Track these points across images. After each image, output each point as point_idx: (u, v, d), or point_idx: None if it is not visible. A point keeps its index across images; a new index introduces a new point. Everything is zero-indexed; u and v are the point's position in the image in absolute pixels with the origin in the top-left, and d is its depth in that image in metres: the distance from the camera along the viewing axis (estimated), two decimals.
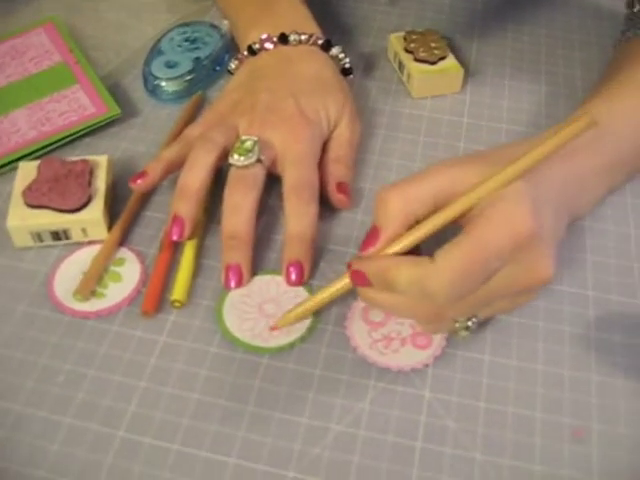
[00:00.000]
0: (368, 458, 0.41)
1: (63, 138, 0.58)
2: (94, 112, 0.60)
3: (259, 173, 0.50)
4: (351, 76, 0.62)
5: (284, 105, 0.54)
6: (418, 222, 0.42)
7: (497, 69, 0.68)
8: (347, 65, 0.61)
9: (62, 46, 0.66)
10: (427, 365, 0.45)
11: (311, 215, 0.49)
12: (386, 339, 0.46)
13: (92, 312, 0.47)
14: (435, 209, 0.42)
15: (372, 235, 0.43)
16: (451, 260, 0.38)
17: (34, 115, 0.60)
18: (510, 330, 0.47)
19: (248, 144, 0.51)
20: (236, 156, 0.50)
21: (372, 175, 0.57)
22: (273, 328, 0.46)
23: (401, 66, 0.66)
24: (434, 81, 0.64)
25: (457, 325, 0.42)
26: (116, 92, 0.63)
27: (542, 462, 0.41)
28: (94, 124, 0.59)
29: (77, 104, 0.61)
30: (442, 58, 0.64)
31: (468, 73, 0.66)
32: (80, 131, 0.59)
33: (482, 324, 0.46)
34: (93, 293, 0.48)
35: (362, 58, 0.68)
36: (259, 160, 0.51)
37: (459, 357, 0.45)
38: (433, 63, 0.64)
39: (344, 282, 0.44)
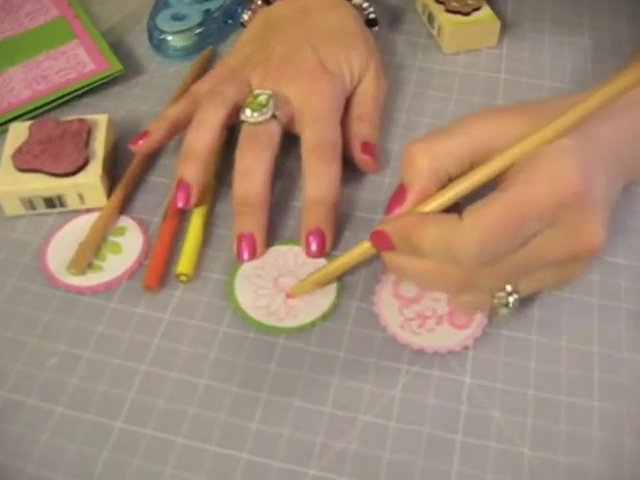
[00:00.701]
0: (400, 453, 0.35)
1: (60, 97, 0.53)
2: (94, 69, 0.54)
3: (274, 131, 0.45)
4: (376, 28, 0.56)
5: (302, 56, 0.48)
6: (451, 181, 0.36)
7: (535, 23, 0.62)
8: (372, 15, 0.55)
9: (60, 0, 0.61)
10: (467, 347, 0.39)
11: (333, 177, 0.44)
12: (420, 317, 0.40)
13: (88, 287, 0.42)
14: (470, 166, 0.36)
15: (398, 195, 0.37)
16: (481, 218, 0.33)
17: (29, 73, 0.55)
18: (560, 307, 0.41)
19: (262, 98, 0.45)
20: (248, 112, 0.45)
21: (400, 135, 0.51)
22: (288, 296, 0.41)
23: (431, 18, 0.59)
24: (467, 34, 0.58)
25: (495, 301, 0.36)
26: (119, 49, 0.58)
27: (601, 458, 0.35)
28: (94, 82, 0.54)
29: (76, 61, 0.55)
30: (476, 9, 0.58)
31: (504, 27, 0.60)
32: (78, 90, 0.53)
33: (527, 301, 0.41)
34: (90, 266, 0.43)
35: (387, 11, 0.62)
36: (274, 116, 0.45)
37: (503, 338, 0.40)
38: (466, 14, 0.58)
39: (366, 246, 0.39)
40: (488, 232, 0.32)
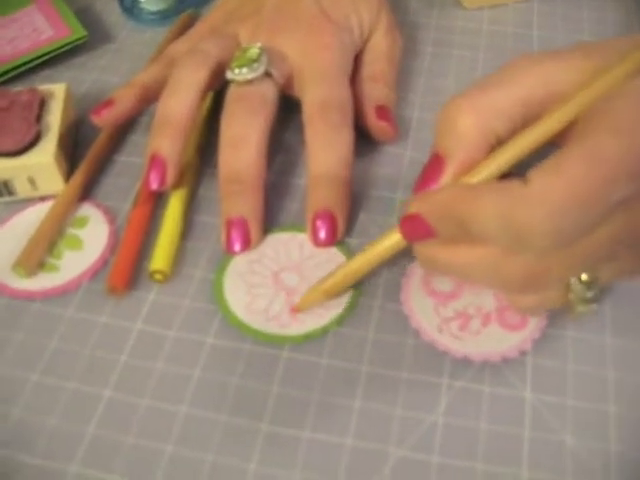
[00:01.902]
0: None
1: (11, 70, 0.44)
2: (52, 36, 0.46)
3: (269, 91, 0.36)
4: None
5: (301, 5, 0.39)
6: (500, 144, 0.27)
7: None
8: None
9: None
10: (524, 352, 0.30)
11: (344, 146, 0.35)
12: (461, 317, 0.31)
13: (39, 291, 0.33)
14: (523, 124, 0.27)
15: (433, 166, 0.28)
16: (554, 181, 0.23)
17: None
18: (637, 300, 0.32)
19: (252, 52, 0.36)
20: (236, 69, 0.36)
21: (420, 102, 0.43)
22: (293, 310, 0.32)
23: None
24: None
25: (572, 296, 0.27)
26: (84, 16, 0.49)
27: None
28: (52, 50, 0.45)
29: (31, 28, 0.47)
30: None
31: None
32: (33, 60, 0.45)
33: None
34: (41, 265, 0.34)
35: None
36: (268, 74, 0.36)
37: (568, 340, 0.31)
38: None
39: (395, 238, 0.29)
40: (567, 201, 0.23)
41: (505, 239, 0.25)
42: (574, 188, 0.23)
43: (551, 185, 0.23)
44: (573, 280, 0.27)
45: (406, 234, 0.28)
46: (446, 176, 0.28)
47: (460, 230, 0.26)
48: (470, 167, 0.28)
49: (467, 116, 0.28)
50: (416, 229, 0.28)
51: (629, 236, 0.26)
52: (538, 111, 0.27)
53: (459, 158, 0.28)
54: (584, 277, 0.27)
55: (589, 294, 0.27)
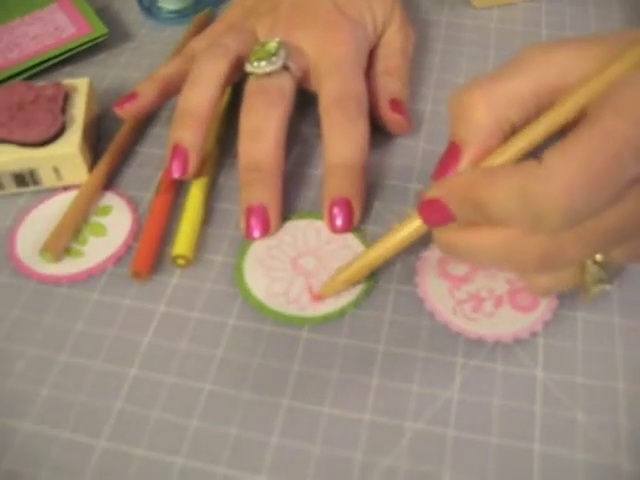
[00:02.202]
0: (464, 470, 0.27)
1: (35, 65, 0.46)
2: (74, 33, 0.47)
3: (287, 84, 0.37)
4: None
5: (317, 2, 0.41)
6: (514, 132, 0.29)
7: None
8: None
9: None
10: (535, 333, 0.31)
11: (360, 135, 0.36)
12: (475, 299, 0.32)
13: (66, 276, 0.35)
14: (536, 112, 0.28)
15: (451, 155, 0.29)
16: (569, 159, 0.24)
17: (0, 41, 0.47)
18: None
19: (271, 46, 0.37)
20: (255, 62, 0.37)
21: (433, 95, 0.44)
22: (316, 298, 0.33)
23: None
24: None
25: (587, 276, 0.28)
26: (104, 15, 0.51)
27: None
28: (75, 47, 0.46)
29: (53, 26, 0.48)
30: None
31: None
32: (57, 56, 0.46)
33: None
34: (67, 251, 0.36)
35: None
36: (286, 68, 0.37)
37: (579, 321, 0.32)
38: None
39: (414, 225, 0.30)
40: (580, 177, 0.24)
41: (523, 218, 0.26)
42: (586, 166, 0.24)
43: (565, 163, 0.24)
44: (588, 261, 0.28)
45: (426, 219, 0.29)
46: (463, 163, 0.29)
47: (478, 213, 0.27)
48: (486, 155, 0.29)
49: (482, 105, 0.29)
50: (436, 213, 0.28)
51: None
52: (551, 99, 0.28)
53: (475, 146, 0.29)
54: (599, 258, 0.28)
55: (603, 275, 0.28)
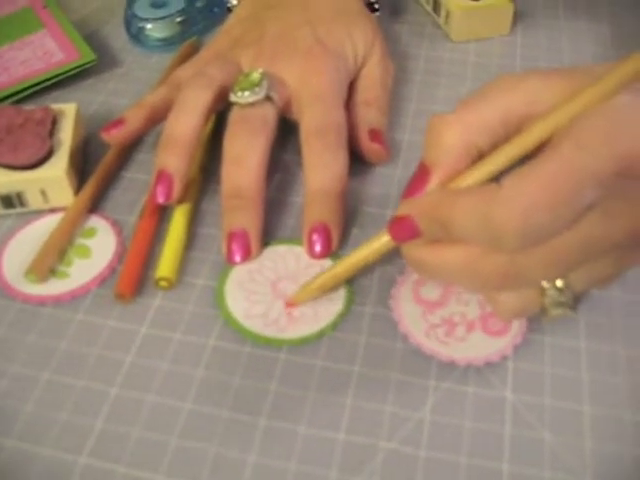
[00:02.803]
0: None
1: (25, 89, 0.47)
2: (63, 59, 0.48)
3: (269, 114, 0.39)
4: (377, 14, 0.50)
5: (299, 34, 0.42)
6: (482, 157, 0.30)
7: (549, 11, 0.57)
8: None
9: None
10: (506, 357, 0.33)
11: (339, 165, 0.38)
12: (447, 323, 0.34)
13: (50, 296, 0.35)
14: (504, 138, 0.30)
15: (420, 175, 0.31)
16: (526, 183, 0.26)
17: None
18: (609, 308, 0.35)
19: (254, 76, 0.39)
20: (239, 92, 0.39)
21: (410, 125, 0.45)
22: (288, 304, 0.34)
23: (437, 6, 0.54)
24: (479, 20, 0.52)
25: (546, 300, 0.30)
26: (93, 41, 0.52)
27: None
28: (63, 72, 0.48)
29: (42, 51, 0.49)
30: None
31: (516, 15, 0.54)
32: (46, 81, 0.47)
33: None
34: (53, 272, 0.36)
35: (387, 1, 0.57)
36: (269, 98, 0.39)
37: (547, 345, 0.33)
38: None
39: (383, 240, 0.32)
40: (536, 201, 0.26)
41: (482, 237, 0.27)
42: (543, 191, 0.26)
43: (523, 187, 0.26)
44: (547, 285, 0.29)
45: (394, 235, 0.31)
46: (431, 184, 0.30)
47: (443, 230, 0.28)
48: (453, 177, 0.30)
49: (452, 130, 0.30)
50: (404, 230, 0.30)
51: (599, 239, 0.28)
52: (518, 126, 0.30)
53: (444, 168, 0.30)
54: (558, 283, 0.29)
55: (562, 299, 0.29)
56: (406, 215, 0.30)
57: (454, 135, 0.30)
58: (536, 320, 0.33)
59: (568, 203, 0.26)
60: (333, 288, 0.34)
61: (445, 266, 0.30)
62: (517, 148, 0.29)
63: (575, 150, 0.26)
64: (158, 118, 0.41)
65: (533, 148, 0.29)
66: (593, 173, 0.26)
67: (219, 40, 0.45)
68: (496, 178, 0.29)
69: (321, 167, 0.37)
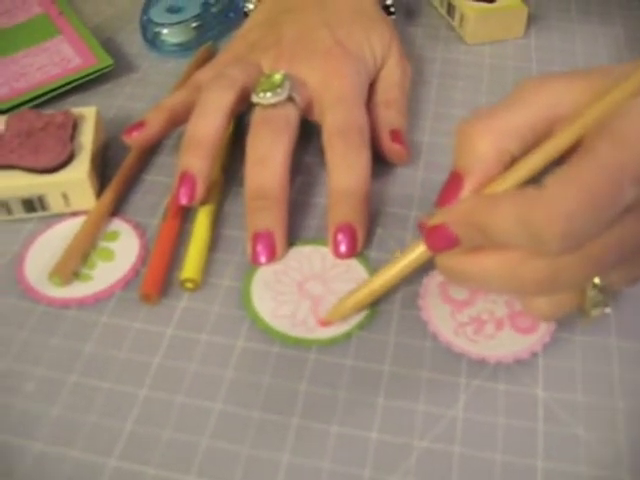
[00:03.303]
0: None
1: (43, 94, 0.47)
2: (80, 64, 0.48)
3: (291, 114, 0.39)
4: (393, 17, 0.50)
5: (318, 36, 0.42)
6: (513, 163, 0.30)
7: (562, 13, 0.57)
8: (389, 1, 0.50)
9: None
10: (535, 354, 0.32)
11: (363, 164, 0.37)
12: (476, 322, 0.34)
13: (74, 299, 0.35)
14: (534, 143, 0.30)
15: (453, 183, 0.31)
16: (568, 187, 0.26)
17: (5, 71, 0.48)
18: (637, 305, 0.35)
19: (276, 78, 0.39)
20: (261, 93, 0.38)
21: (430, 127, 0.45)
22: (323, 323, 0.34)
23: (451, 9, 0.54)
24: (493, 22, 0.52)
25: (587, 300, 0.29)
26: (109, 47, 0.52)
27: None
28: (81, 77, 0.48)
29: (59, 57, 0.49)
30: None
31: (529, 18, 0.55)
32: (64, 85, 0.47)
33: None
34: (76, 275, 0.36)
35: (401, 6, 0.57)
36: (291, 98, 0.39)
37: (577, 343, 0.33)
38: (491, 1, 0.53)
39: (417, 252, 0.32)
40: (578, 202, 0.25)
41: (524, 241, 0.27)
42: (585, 193, 0.26)
43: (564, 190, 0.26)
44: (587, 285, 0.29)
45: (431, 245, 0.30)
46: (465, 191, 0.30)
47: (482, 236, 0.28)
48: (486, 184, 0.30)
49: (484, 137, 0.30)
50: (441, 239, 0.29)
51: (637, 240, 0.28)
52: (547, 130, 0.30)
53: (477, 175, 0.30)
54: (597, 281, 0.29)
55: (602, 298, 0.29)
56: (442, 223, 0.29)
57: (486, 142, 0.30)
58: (565, 318, 0.33)
59: (610, 203, 0.26)
60: (365, 307, 0.34)
61: (484, 273, 0.29)
62: (550, 151, 0.29)
63: (612, 149, 0.26)
64: (179, 120, 0.41)
65: (565, 149, 0.29)
66: (632, 170, 0.26)
67: (237, 44, 0.45)
68: (531, 182, 0.29)
69: (345, 167, 0.37)
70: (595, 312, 0.30)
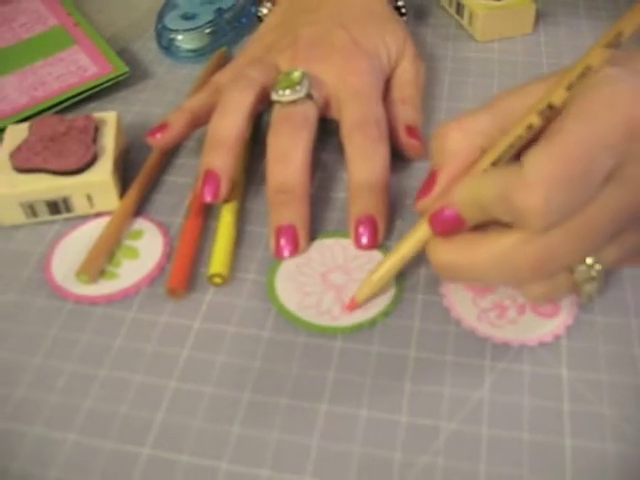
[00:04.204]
0: (500, 465, 0.29)
1: (61, 102, 0.48)
2: (97, 72, 0.49)
3: (310, 111, 0.39)
4: (404, 18, 0.51)
5: (333, 36, 0.43)
6: None
7: (570, 9, 0.58)
8: (400, 2, 0.51)
9: (59, 10, 0.56)
10: (558, 337, 0.33)
11: (382, 157, 0.38)
12: (498, 307, 0.34)
13: (102, 296, 0.36)
14: None
15: (429, 180, 0.32)
16: (541, 161, 0.27)
17: (25, 80, 0.50)
18: None
19: (295, 75, 0.40)
20: (280, 91, 0.39)
21: (444, 122, 0.46)
22: (350, 307, 0.34)
23: (460, 8, 0.55)
24: (502, 19, 0.53)
25: (578, 277, 0.30)
26: (125, 55, 0.53)
27: None
28: (98, 85, 0.49)
29: (76, 66, 0.50)
30: None
31: (537, 15, 0.55)
32: (82, 93, 0.48)
33: (616, 282, 0.35)
34: (102, 273, 0.37)
35: (411, 7, 0.58)
36: (309, 96, 0.40)
37: (598, 324, 0.34)
38: None
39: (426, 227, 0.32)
40: (553, 175, 0.26)
41: (509, 218, 0.28)
42: (559, 166, 0.26)
43: (539, 165, 0.27)
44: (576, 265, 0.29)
45: (438, 229, 0.31)
46: (439, 185, 0.32)
47: (482, 213, 0.29)
48: (459, 177, 0.31)
49: (455, 135, 0.32)
50: (446, 221, 0.30)
51: (624, 211, 0.28)
52: None
53: (449, 169, 0.32)
54: (587, 260, 0.29)
55: (593, 273, 0.30)
56: (444, 206, 0.30)
57: (456, 139, 0.32)
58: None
59: (585, 175, 0.27)
60: (393, 278, 0.34)
61: (478, 265, 0.30)
62: (516, 134, 0.30)
63: (579, 121, 0.27)
64: (200, 122, 0.42)
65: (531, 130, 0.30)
66: (602, 139, 0.27)
67: (253, 47, 0.46)
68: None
69: (364, 161, 0.38)
70: (588, 288, 0.30)
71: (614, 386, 0.31)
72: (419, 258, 0.36)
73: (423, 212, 0.32)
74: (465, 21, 0.55)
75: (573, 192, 0.27)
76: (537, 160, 0.27)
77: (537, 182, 0.26)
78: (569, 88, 0.29)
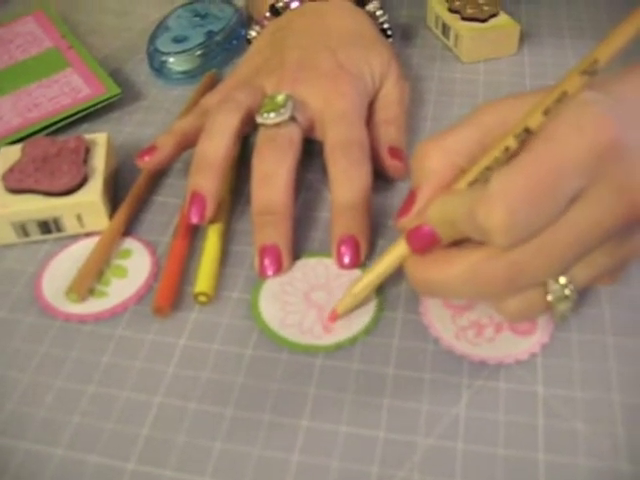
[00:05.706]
0: (475, 479, 0.29)
1: (54, 123, 0.49)
2: (89, 93, 0.50)
3: (294, 133, 0.40)
4: (390, 40, 0.52)
5: (319, 59, 0.44)
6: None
7: (554, 30, 0.59)
8: (386, 25, 0.52)
9: (53, 33, 0.58)
10: (534, 354, 0.34)
11: (364, 178, 0.39)
12: (476, 326, 0.35)
13: (90, 314, 0.37)
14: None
15: (407, 200, 0.33)
16: (507, 181, 0.28)
17: (19, 102, 0.51)
18: (632, 304, 0.36)
19: (279, 99, 0.41)
20: (265, 114, 0.40)
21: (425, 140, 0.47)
22: (332, 318, 0.35)
23: (445, 29, 0.56)
24: (487, 41, 0.54)
25: (551, 297, 0.31)
26: (117, 77, 0.54)
27: None
28: (90, 106, 0.50)
29: (69, 87, 0.51)
30: (493, 15, 0.55)
31: (522, 35, 0.56)
32: (75, 114, 0.49)
33: (593, 300, 0.36)
34: (91, 292, 0.38)
35: (398, 28, 0.59)
36: (293, 118, 0.41)
37: (574, 341, 0.34)
38: (483, 21, 0.55)
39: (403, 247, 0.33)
40: (517, 195, 0.27)
41: (477, 235, 0.29)
42: (524, 186, 0.27)
43: (505, 185, 0.28)
44: (550, 281, 0.30)
45: (414, 246, 0.32)
46: (418, 204, 0.33)
47: (454, 230, 0.30)
48: (437, 195, 0.32)
49: (434, 154, 0.32)
50: (421, 238, 0.32)
51: (592, 231, 0.29)
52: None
53: (428, 188, 0.32)
54: (560, 280, 0.30)
55: (566, 292, 0.30)
56: (419, 224, 0.31)
57: (435, 158, 0.32)
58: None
59: (549, 193, 0.28)
60: (374, 290, 0.35)
61: (450, 280, 0.31)
62: (493, 155, 0.31)
63: (547, 143, 0.28)
64: (188, 144, 0.43)
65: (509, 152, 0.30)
66: (568, 161, 0.28)
67: (241, 69, 0.47)
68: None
69: (347, 181, 0.39)
70: (561, 307, 0.31)
71: (588, 402, 0.32)
72: (399, 276, 0.37)
73: (403, 230, 0.33)
74: (451, 42, 0.56)
75: (537, 210, 0.28)
76: (501, 178, 0.28)
77: (499, 199, 0.27)
78: (546, 113, 0.29)
